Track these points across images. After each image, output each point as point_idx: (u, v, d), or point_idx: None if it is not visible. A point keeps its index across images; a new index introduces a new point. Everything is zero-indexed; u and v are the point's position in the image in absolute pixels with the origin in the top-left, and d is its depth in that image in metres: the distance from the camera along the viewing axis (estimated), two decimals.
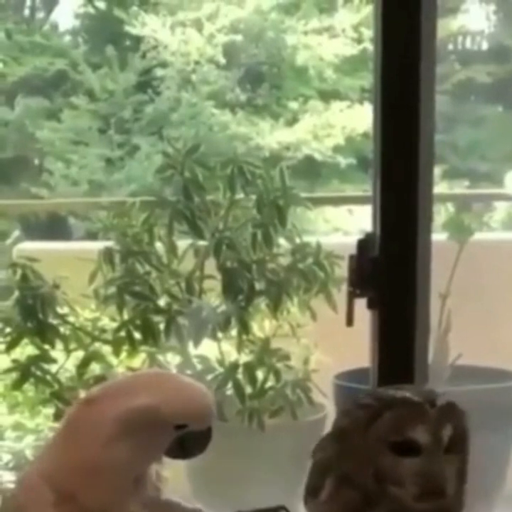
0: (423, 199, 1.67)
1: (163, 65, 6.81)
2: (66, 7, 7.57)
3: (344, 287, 1.79)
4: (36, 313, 2.20)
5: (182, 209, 2.28)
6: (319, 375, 2.38)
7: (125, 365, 2.27)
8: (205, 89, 6.71)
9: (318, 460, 1.11)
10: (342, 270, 2.14)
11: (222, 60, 6.72)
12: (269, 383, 2.30)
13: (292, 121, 6.64)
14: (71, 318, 2.28)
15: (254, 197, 2.32)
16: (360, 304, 1.71)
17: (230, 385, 2.28)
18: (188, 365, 2.32)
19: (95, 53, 7.07)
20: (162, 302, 2.25)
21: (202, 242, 2.31)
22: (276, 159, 5.63)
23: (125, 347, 2.23)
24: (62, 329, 2.25)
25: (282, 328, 2.36)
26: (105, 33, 7.17)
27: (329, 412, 2.44)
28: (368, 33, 6.36)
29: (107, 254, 2.28)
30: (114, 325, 2.26)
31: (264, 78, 6.92)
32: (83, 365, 2.23)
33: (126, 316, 2.24)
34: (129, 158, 6.71)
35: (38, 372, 2.21)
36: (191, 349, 2.30)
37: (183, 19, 6.76)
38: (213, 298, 2.31)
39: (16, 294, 2.23)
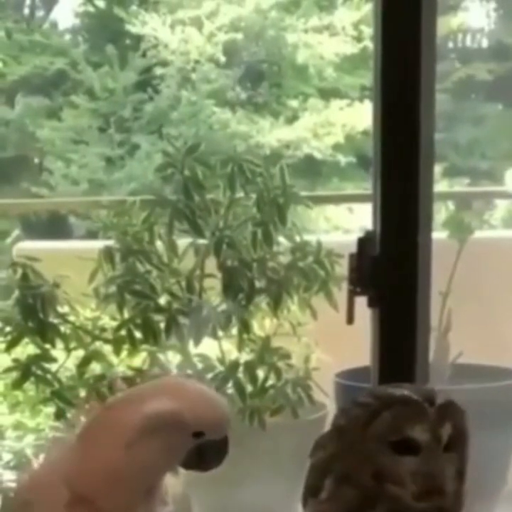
0: (423, 197, 1.67)
1: (164, 63, 6.81)
2: (66, 6, 7.57)
3: (344, 286, 1.78)
4: (37, 313, 2.19)
5: (182, 208, 2.27)
6: (320, 374, 2.38)
7: (126, 364, 2.27)
8: (205, 87, 6.71)
9: (317, 459, 1.11)
10: (342, 269, 2.14)
11: (222, 59, 6.72)
12: (270, 382, 2.30)
13: (292, 119, 6.64)
14: (71, 318, 2.28)
15: (254, 195, 2.32)
16: (361, 303, 1.71)
17: (230, 383, 2.28)
18: (189, 364, 2.32)
19: (95, 52, 7.07)
20: (162, 301, 2.25)
21: (202, 241, 2.31)
22: (277, 157, 5.63)
23: (126, 346, 2.23)
24: (62, 328, 2.24)
25: (283, 327, 2.36)
26: (105, 31, 7.18)
27: (330, 411, 2.44)
28: (367, 31, 6.36)
29: (107, 253, 2.28)
30: (115, 324, 2.25)
31: (264, 76, 6.92)
32: (83, 364, 2.22)
33: (126, 315, 2.23)
34: (129, 157, 6.71)
35: (39, 372, 2.21)
36: (192, 348, 2.30)
37: (182, 17, 6.76)
38: (214, 297, 2.31)
39: (16, 293, 2.23)
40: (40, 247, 3.66)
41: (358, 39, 6.58)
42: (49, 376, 2.22)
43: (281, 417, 2.33)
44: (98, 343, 2.26)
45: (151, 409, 1.02)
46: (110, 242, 2.32)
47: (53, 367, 2.24)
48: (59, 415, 2.23)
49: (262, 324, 2.39)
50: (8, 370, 2.24)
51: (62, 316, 2.25)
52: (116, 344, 2.22)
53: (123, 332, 2.22)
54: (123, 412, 1.04)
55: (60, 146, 6.82)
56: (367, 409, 1.06)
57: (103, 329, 2.27)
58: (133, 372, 2.21)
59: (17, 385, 2.25)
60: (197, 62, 6.75)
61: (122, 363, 2.26)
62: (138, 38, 6.85)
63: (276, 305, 2.28)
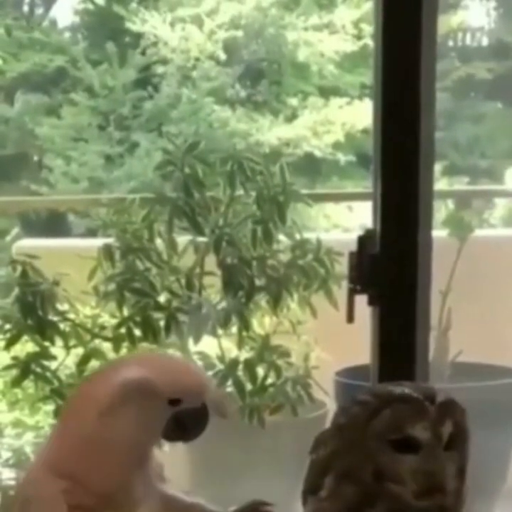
0: (423, 196, 1.67)
1: (163, 61, 6.80)
2: (65, 3, 7.56)
3: (344, 284, 1.78)
4: (36, 310, 2.19)
5: (182, 205, 2.27)
6: (320, 372, 2.38)
7: None
8: (205, 85, 6.70)
9: (317, 457, 1.11)
10: (342, 267, 2.14)
11: (223, 57, 6.71)
12: (270, 380, 2.30)
13: (292, 117, 6.64)
14: (71, 315, 2.28)
15: (254, 193, 2.32)
16: (361, 301, 1.71)
17: (230, 381, 2.28)
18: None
19: (95, 50, 7.06)
20: (162, 299, 2.25)
21: (202, 239, 2.31)
22: (276, 156, 5.63)
23: (125, 344, 2.23)
24: (62, 326, 2.24)
25: (283, 325, 2.36)
26: (105, 29, 7.16)
27: (330, 409, 2.44)
28: (368, 29, 6.35)
29: (107, 251, 2.28)
30: (114, 322, 2.25)
31: (263, 74, 6.92)
32: (83, 362, 2.22)
33: (126, 313, 2.23)
34: (129, 155, 6.70)
35: (38, 369, 2.21)
36: (191, 346, 2.30)
37: (182, 15, 6.75)
38: (213, 294, 2.31)
39: (16, 290, 2.22)
40: (40, 245, 3.66)
41: (358, 37, 6.57)
42: (48, 374, 2.22)
43: (281, 415, 2.33)
44: (97, 341, 2.26)
45: (122, 377, 1.03)
46: (110, 240, 2.32)
47: (53, 365, 2.24)
48: (58, 413, 2.23)
49: (262, 322, 2.39)
50: (7, 367, 2.24)
51: (62, 314, 2.25)
52: (116, 342, 2.22)
53: (123, 330, 2.22)
54: (96, 383, 1.05)
55: (59, 143, 6.81)
56: (367, 407, 1.06)
57: (103, 327, 2.27)
58: None
59: (16, 382, 2.25)
60: (197, 60, 6.74)
61: None
62: (137, 36, 6.84)
63: (276, 303, 2.28)
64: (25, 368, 2.20)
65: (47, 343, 2.23)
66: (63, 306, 2.27)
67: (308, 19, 6.66)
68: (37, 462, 1.09)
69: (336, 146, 6.54)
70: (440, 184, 5.60)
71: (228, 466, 2.37)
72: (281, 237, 2.34)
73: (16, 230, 6.05)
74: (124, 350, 2.23)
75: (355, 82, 6.67)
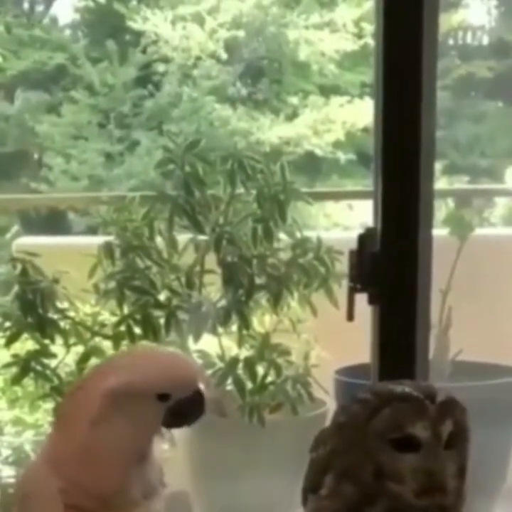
0: (424, 194, 1.67)
1: (164, 59, 6.80)
2: (66, 1, 7.56)
3: (345, 282, 1.78)
4: (36, 308, 2.19)
5: (182, 204, 2.27)
6: (320, 371, 2.38)
7: None
8: (206, 84, 6.70)
9: (317, 456, 1.11)
10: (342, 265, 2.13)
11: (223, 55, 6.71)
12: (270, 378, 2.30)
13: (292, 116, 6.64)
14: (71, 313, 2.27)
15: (254, 192, 2.32)
16: (361, 299, 1.70)
17: (230, 380, 2.28)
18: None
19: (95, 47, 7.06)
20: (162, 297, 2.25)
21: (202, 237, 2.31)
22: (277, 154, 5.63)
23: (125, 342, 2.23)
24: (62, 324, 2.24)
25: (283, 324, 2.36)
26: (105, 27, 7.16)
27: (330, 408, 2.44)
28: (368, 28, 6.35)
29: (107, 249, 2.28)
30: (114, 319, 2.25)
31: (264, 73, 6.91)
32: (83, 360, 2.22)
33: (126, 311, 2.23)
34: (129, 153, 6.70)
35: (38, 367, 2.21)
36: (191, 344, 2.30)
37: (183, 13, 6.75)
38: (213, 293, 2.31)
39: (16, 288, 2.22)
40: (40, 243, 3.65)
41: (359, 36, 6.57)
42: (48, 372, 2.22)
43: (281, 413, 2.33)
44: (98, 339, 2.26)
45: (103, 386, 1.03)
46: (110, 238, 2.32)
47: (53, 362, 2.24)
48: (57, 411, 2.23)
49: (262, 321, 2.39)
50: (7, 365, 2.24)
51: (62, 312, 2.25)
52: (116, 340, 2.22)
53: (123, 328, 2.22)
54: (85, 391, 1.06)
55: (59, 141, 6.81)
56: (367, 405, 1.06)
57: (103, 325, 2.27)
58: None
59: (16, 380, 2.25)
60: (198, 58, 6.74)
61: None
62: (138, 34, 6.84)
63: (276, 301, 2.28)
64: (25, 366, 2.20)
65: (47, 341, 2.23)
66: (63, 304, 2.27)
67: (309, 18, 6.66)
68: (37, 460, 1.09)
69: (337, 144, 6.54)
70: (440, 183, 5.60)
71: (228, 465, 2.37)
72: (282, 235, 2.34)
73: (15, 228, 6.05)
74: (124, 348, 2.23)
75: (356, 81, 6.67)
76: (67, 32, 7.53)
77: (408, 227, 1.65)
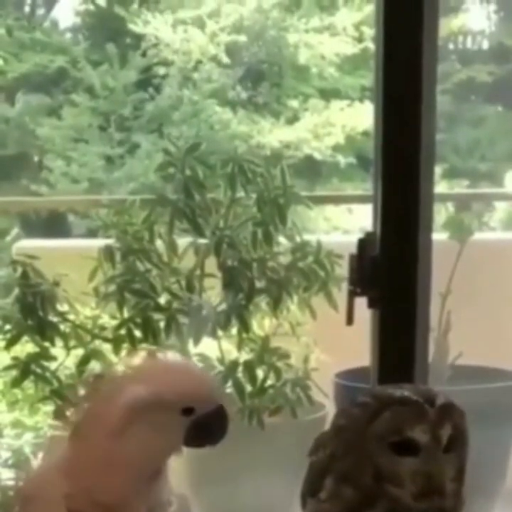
0: (424, 198, 1.67)
1: (165, 63, 6.81)
2: (67, 4, 7.57)
3: (344, 286, 1.79)
4: (36, 311, 2.19)
5: (183, 207, 2.27)
6: (319, 374, 2.38)
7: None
8: (207, 87, 6.71)
9: (317, 459, 1.11)
10: (342, 269, 2.14)
11: (224, 59, 6.72)
12: (269, 382, 2.30)
13: (292, 119, 6.64)
14: (71, 316, 2.27)
15: (254, 195, 2.32)
16: (361, 303, 1.71)
17: (230, 383, 2.28)
18: None
19: (96, 50, 7.07)
20: (162, 300, 2.24)
21: (202, 240, 2.31)
22: (277, 158, 5.64)
23: (125, 345, 2.23)
24: (62, 327, 2.24)
25: (282, 327, 2.36)
26: (106, 30, 7.17)
27: (329, 411, 2.44)
28: (368, 31, 6.36)
29: (108, 252, 2.28)
30: (114, 323, 2.25)
31: (264, 76, 6.92)
32: (83, 363, 2.22)
33: (126, 314, 2.23)
34: (129, 156, 6.71)
35: (38, 370, 2.21)
36: (191, 347, 2.30)
37: (184, 17, 6.76)
38: (213, 296, 2.31)
39: (16, 291, 2.22)
40: (40, 246, 3.66)
41: (359, 40, 6.58)
42: (48, 374, 2.22)
43: (280, 417, 2.33)
44: (97, 342, 2.26)
45: (129, 396, 1.02)
46: (110, 241, 2.32)
47: (53, 365, 2.24)
48: (58, 414, 2.23)
49: (262, 324, 2.39)
50: (7, 368, 2.24)
51: (62, 315, 2.25)
52: (116, 343, 2.22)
53: (123, 331, 2.22)
54: (106, 403, 1.04)
55: (60, 144, 6.82)
56: (367, 409, 1.06)
57: (103, 328, 2.27)
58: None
59: (16, 383, 2.25)
60: (198, 61, 6.75)
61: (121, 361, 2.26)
62: (139, 37, 6.85)
63: (276, 305, 2.28)
64: (25, 369, 2.20)
65: (47, 344, 2.23)
66: (63, 307, 2.27)
67: (309, 21, 6.67)
68: (46, 464, 1.09)
69: (336, 148, 6.55)
70: (440, 187, 5.60)
71: (227, 468, 2.37)
72: (282, 239, 2.34)
73: (15, 230, 6.05)
74: (124, 352, 2.23)
75: (356, 85, 6.68)
76: (68, 35, 7.54)
77: (408, 231, 1.66)
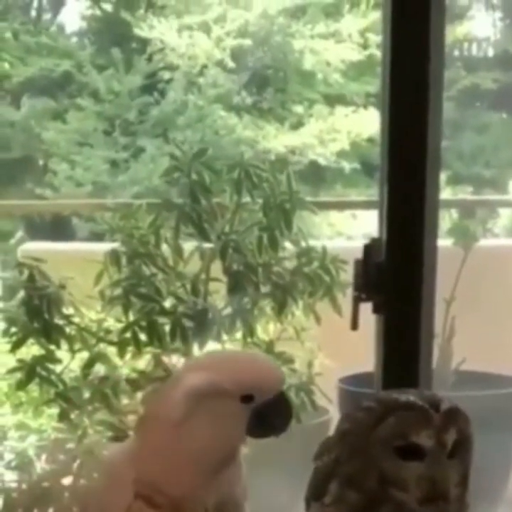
0: (429, 204, 1.68)
1: (170, 67, 6.82)
2: (73, 8, 7.59)
3: (349, 291, 1.79)
4: (42, 314, 2.19)
5: (189, 212, 2.27)
6: (323, 379, 2.38)
7: (130, 366, 2.27)
8: (212, 92, 6.72)
9: (321, 463, 1.12)
10: (347, 275, 2.14)
11: (229, 64, 6.73)
12: None
13: (297, 125, 6.65)
14: (76, 319, 2.28)
15: (260, 200, 2.32)
16: (365, 308, 1.71)
17: None
18: None
19: (101, 55, 7.08)
20: (168, 304, 2.24)
21: (208, 245, 2.31)
22: (283, 163, 5.65)
23: (130, 348, 2.23)
24: (67, 330, 2.24)
25: (287, 332, 2.36)
26: (112, 35, 7.19)
27: (333, 416, 2.44)
28: (374, 38, 6.37)
29: (114, 256, 2.28)
30: (120, 326, 2.25)
31: (269, 82, 6.93)
32: (88, 366, 2.22)
33: (131, 318, 2.23)
34: (134, 160, 6.72)
35: (43, 373, 2.21)
36: (196, 351, 2.30)
37: (190, 22, 6.77)
38: (219, 300, 2.31)
39: (22, 293, 2.23)
40: (45, 249, 3.67)
41: (364, 46, 6.59)
42: (53, 377, 2.22)
43: None
44: (102, 345, 2.26)
45: (188, 385, 1.01)
46: (116, 245, 2.32)
47: (58, 368, 2.24)
48: (62, 416, 2.24)
49: (266, 328, 2.39)
50: (12, 370, 2.24)
51: (68, 318, 2.25)
52: (121, 346, 2.22)
53: (128, 334, 2.22)
54: (166, 395, 1.04)
55: (64, 148, 6.83)
56: (372, 413, 1.06)
57: (108, 331, 2.27)
58: (137, 374, 2.22)
59: (21, 385, 2.25)
60: (204, 66, 6.76)
61: (126, 365, 2.27)
62: (144, 42, 6.86)
63: (280, 310, 2.28)
64: (30, 371, 2.20)
65: (52, 347, 2.23)
66: (69, 310, 2.27)
67: (315, 27, 6.67)
68: (121, 449, 1.07)
69: (341, 154, 6.55)
70: (444, 193, 5.60)
71: None
72: (287, 244, 2.35)
73: (20, 233, 6.06)
74: (128, 355, 2.24)
75: (361, 91, 6.69)
76: (74, 39, 7.56)
77: (413, 236, 1.66)
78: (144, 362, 2.28)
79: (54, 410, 2.32)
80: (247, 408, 1.03)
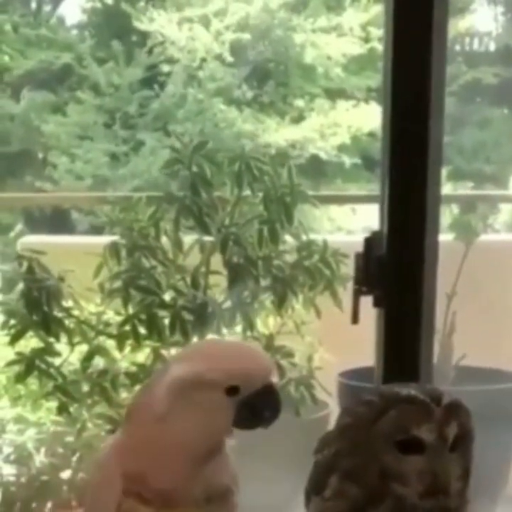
0: (431, 199, 1.67)
1: (170, 60, 6.81)
2: (73, 1, 7.57)
3: (349, 285, 1.79)
4: (41, 306, 2.19)
5: (189, 204, 2.27)
6: (323, 373, 2.38)
7: (129, 359, 2.27)
8: (212, 85, 6.71)
9: (322, 457, 1.11)
10: (348, 268, 2.14)
11: (229, 57, 6.72)
12: None
13: (298, 119, 6.64)
14: (76, 312, 2.27)
15: (261, 194, 2.32)
16: (365, 303, 1.71)
17: None
18: None
19: (101, 48, 7.07)
20: (167, 297, 2.25)
21: (208, 238, 2.31)
22: (283, 157, 5.64)
23: (129, 341, 2.23)
24: (66, 322, 2.24)
25: (287, 326, 2.36)
26: (112, 27, 7.17)
27: (332, 410, 2.44)
28: (375, 32, 6.36)
29: (113, 249, 2.28)
30: (119, 319, 2.25)
31: (270, 76, 6.92)
32: (87, 359, 2.22)
33: (131, 311, 2.23)
34: (134, 153, 6.71)
35: (42, 365, 2.21)
36: None
37: (190, 15, 6.76)
38: (218, 294, 2.31)
39: (22, 286, 2.22)
40: (44, 242, 3.66)
41: (366, 40, 6.58)
42: (52, 370, 2.22)
43: (284, 415, 2.32)
44: (102, 338, 2.26)
45: (171, 377, 0.99)
46: (116, 238, 2.32)
47: (57, 361, 2.24)
48: (61, 409, 2.23)
49: (266, 322, 2.39)
50: (11, 363, 2.24)
51: (67, 310, 2.25)
52: (120, 339, 2.22)
53: (127, 327, 2.22)
54: (151, 387, 1.02)
55: (64, 141, 6.82)
56: (373, 407, 1.06)
57: (107, 324, 2.27)
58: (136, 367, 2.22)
59: (20, 378, 2.25)
60: (204, 60, 6.75)
61: (126, 358, 2.27)
62: (144, 35, 6.85)
63: (280, 303, 2.28)
64: (29, 364, 2.20)
65: (51, 339, 2.23)
66: (68, 303, 2.27)
67: (316, 21, 6.66)
68: (108, 450, 1.06)
69: (342, 148, 6.54)
70: (445, 189, 5.59)
71: None
72: (288, 237, 2.34)
73: (19, 227, 6.06)
74: (128, 348, 2.23)
75: (362, 85, 6.68)
76: (74, 32, 7.54)
77: (415, 230, 1.66)
78: (143, 355, 2.28)
79: (53, 403, 2.32)
80: (232, 400, 1.00)
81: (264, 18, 6.73)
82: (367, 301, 1.70)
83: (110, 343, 2.26)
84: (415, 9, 1.65)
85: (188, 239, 2.34)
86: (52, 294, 2.20)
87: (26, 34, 7.11)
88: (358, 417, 1.07)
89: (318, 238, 2.37)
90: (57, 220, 6.47)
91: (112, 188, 6.54)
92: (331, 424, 1.12)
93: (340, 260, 2.29)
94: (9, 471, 2.39)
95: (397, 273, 1.67)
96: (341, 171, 6.69)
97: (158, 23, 6.75)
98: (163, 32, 6.76)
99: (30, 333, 2.24)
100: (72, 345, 2.24)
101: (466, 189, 6.33)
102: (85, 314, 2.29)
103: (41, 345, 2.24)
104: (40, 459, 2.39)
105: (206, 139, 2.39)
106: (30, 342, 2.29)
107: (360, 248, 1.69)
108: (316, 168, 6.55)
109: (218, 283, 2.31)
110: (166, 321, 2.22)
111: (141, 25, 6.80)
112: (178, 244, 2.31)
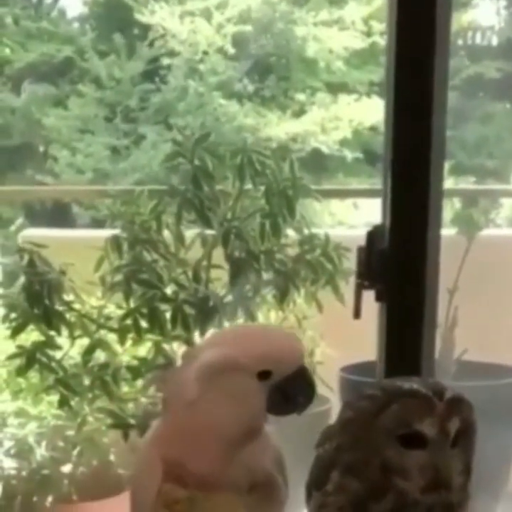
0: (434, 193, 1.67)
1: (171, 54, 6.80)
2: None
3: (351, 280, 1.78)
4: (42, 299, 2.18)
5: (191, 198, 2.26)
6: (325, 368, 2.37)
7: (130, 353, 2.27)
8: (213, 79, 6.70)
9: (323, 451, 1.11)
10: (350, 262, 2.13)
11: (231, 51, 6.71)
12: None
13: (300, 113, 6.63)
14: (77, 306, 2.27)
15: (263, 187, 2.31)
16: (367, 297, 1.70)
17: None
18: None
19: (103, 41, 7.06)
20: (169, 291, 2.24)
21: (210, 232, 2.30)
22: (285, 150, 5.63)
23: (131, 335, 2.22)
24: (68, 316, 2.24)
25: (288, 320, 2.36)
26: (113, 20, 7.17)
27: (333, 405, 2.44)
28: (377, 26, 6.35)
29: (115, 242, 2.27)
30: (120, 313, 2.25)
31: (272, 69, 6.91)
32: (88, 353, 2.22)
33: (132, 304, 2.23)
34: (135, 147, 6.71)
35: (43, 359, 2.21)
36: (197, 338, 2.29)
37: (191, 8, 6.75)
38: (220, 287, 2.30)
39: (23, 279, 2.22)
40: (45, 235, 3.66)
41: (368, 34, 6.57)
42: (53, 364, 2.22)
43: None
44: (103, 332, 2.26)
45: (202, 362, 0.99)
46: (117, 231, 2.32)
47: (58, 354, 2.24)
48: (62, 403, 2.23)
49: (268, 316, 2.39)
50: (12, 356, 2.23)
51: (68, 304, 2.25)
52: (122, 333, 2.21)
53: (128, 321, 2.22)
54: (183, 373, 1.02)
55: (65, 134, 6.82)
56: (375, 401, 1.06)
57: (108, 318, 2.26)
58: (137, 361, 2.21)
59: (21, 372, 2.25)
60: (205, 53, 6.74)
61: (127, 352, 2.26)
62: (146, 28, 6.84)
63: (282, 297, 2.27)
64: (30, 357, 2.20)
65: (52, 333, 2.23)
66: (69, 296, 2.27)
67: (318, 15, 6.65)
68: (149, 437, 1.06)
69: (343, 142, 6.54)
70: (447, 183, 5.59)
71: None
72: (290, 231, 2.34)
73: (20, 220, 6.06)
74: (129, 342, 2.23)
75: (364, 79, 6.67)
76: (75, 25, 7.53)
77: (417, 224, 1.65)
78: (144, 349, 2.28)
79: (54, 397, 2.32)
80: (265, 384, 0.99)
81: (265, 11, 6.72)
82: (369, 296, 1.70)
83: (111, 337, 2.26)
84: (418, 3, 1.64)
85: (190, 232, 2.33)
86: (54, 287, 2.19)
87: (27, 27, 7.10)
88: (360, 411, 1.07)
89: (321, 232, 2.37)
90: (58, 214, 6.47)
91: (112, 182, 6.54)
92: (332, 419, 1.11)
93: (342, 254, 2.29)
94: (10, 464, 2.39)
95: (400, 267, 1.67)
96: (343, 165, 6.69)
97: (160, 15, 6.74)
98: (164, 25, 6.76)
99: (31, 326, 2.24)
100: (73, 338, 2.24)
101: (468, 183, 6.33)
102: (86, 308, 2.28)
103: (42, 338, 2.23)
104: (40, 452, 2.39)
105: (208, 132, 2.37)
106: (31, 335, 2.29)
107: (361, 242, 1.69)
108: (318, 162, 6.55)
109: (220, 277, 2.30)
110: (168, 315, 2.22)
111: (143, 17, 6.79)
112: (179, 237, 2.30)
